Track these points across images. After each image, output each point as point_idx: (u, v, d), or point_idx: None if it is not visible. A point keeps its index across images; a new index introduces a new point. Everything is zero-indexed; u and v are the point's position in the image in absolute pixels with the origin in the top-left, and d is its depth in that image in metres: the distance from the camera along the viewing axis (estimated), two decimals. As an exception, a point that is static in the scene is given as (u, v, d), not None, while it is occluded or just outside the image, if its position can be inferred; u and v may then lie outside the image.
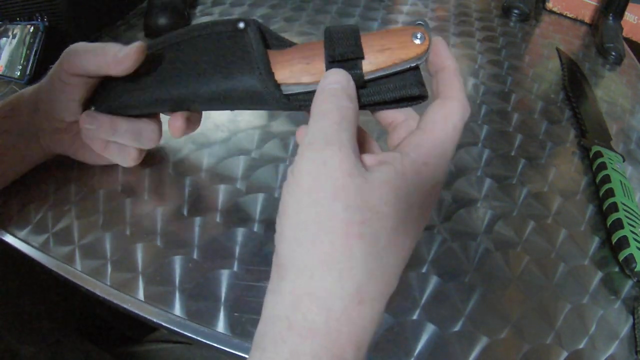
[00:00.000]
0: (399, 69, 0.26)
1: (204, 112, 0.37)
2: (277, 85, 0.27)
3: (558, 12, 0.76)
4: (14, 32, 0.52)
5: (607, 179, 0.42)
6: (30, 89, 0.36)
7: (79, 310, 0.51)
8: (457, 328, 0.31)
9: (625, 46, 0.68)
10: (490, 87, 0.55)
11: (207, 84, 0.29)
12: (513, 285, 0.34)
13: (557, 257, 0.37)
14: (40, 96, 0.34)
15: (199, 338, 0.30)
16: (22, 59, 0.50)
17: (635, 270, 0.35)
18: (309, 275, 0.20)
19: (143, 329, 0.52)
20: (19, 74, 0.50)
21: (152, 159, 0.41)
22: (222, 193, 0.39)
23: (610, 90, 0.59)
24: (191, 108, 0.32)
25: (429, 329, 0.31)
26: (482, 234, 0.37)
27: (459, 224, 0.38)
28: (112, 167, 0.39)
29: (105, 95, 0.34)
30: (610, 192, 0.40)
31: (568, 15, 0.75)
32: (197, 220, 0.36)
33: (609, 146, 0.47)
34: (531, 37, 0.68)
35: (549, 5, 0.76)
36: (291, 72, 0.27)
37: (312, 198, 0.21)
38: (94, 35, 0.58)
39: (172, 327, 0.30)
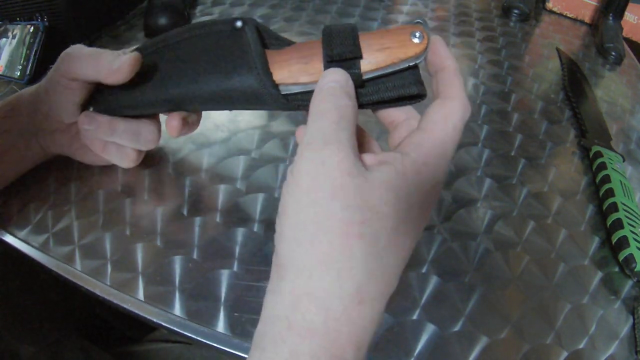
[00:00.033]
0: (397, 68, 0.26)
1: (204, 112, 0.37)
2: (275, 85, 0.27)
3: (558, 12, 0.76)
4: (14, 32, 0.52)
5: (607, 179, 0.42)
6: (30, 89, 0.36)
7: (79, 310, 0.51)
8: (457, 328, 0.31)
9: (625, 46, 0.68)
10: (490, 87, 0.55)
11: (204, 84, 0.28)
12: (513, 285, 0.34)
13: (557, 257, 0.37)
14: (40, 97, 0.34)
15: (198, 338, 0.30)
16: (22, 59, 0.50)
17: (635, 270, 0.35)
18: (308, 275, 0.20)
19: (143, 328, 0.52)
20: (19, 74, 0.50)
21: (152, 159, 0.41)
22: (222, 193, 0.39)
23: (610, 90, 0.59)
24: (189, 108, 0.32)
25: (429, 329, 0.31)
26: (482, 234, 0.37)
27: (459, 224, 0.38)
28: (112, 167, 0.39)
29: (103, 96, 0.34)
30: (610, 192, 0.40)
31: (568, 15, 0.75)
32: (197, 220, 0.36)
33: (609, 146, 0.47)
34: (531, 37, 0.68)
35: (549, 5, 0.76)
36: (289, 71, 0.27)
37: (311, 198, 0.21)
38: (94, 35, 0.58)
39: (172, 327, 0.30)
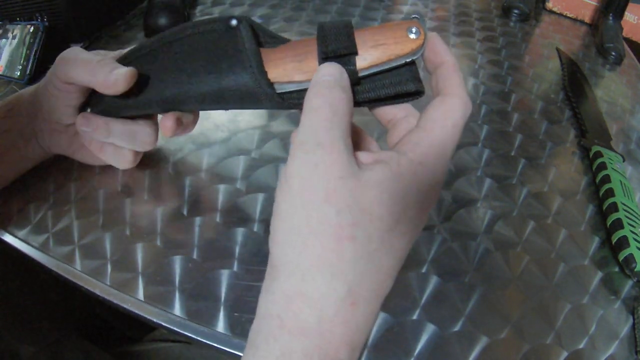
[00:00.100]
0: (394, 64, 0.26)
1: (204, 112, 0.37)
2: (270, 84, 0.27)
3: (558, 12, 0.76)
4: (14, 32, 0.52)
5: (607, 179, 0.42)
6: (29, 89, 0.36)
7: (79, 310, 0.51)
8: (457, 328, 0.31)
9: (625, 46, 0.68)
10: (490, 87, 0.55)
11: (199, 83, 0.28)
12: (513, 285, 0.34)
13: (557, 257, 0.37)
14: (38, 98, 0.34)
15: (198, 338, 0.30)
16: (22, 59, 0.50)
17: (635, 270, 0.35)
18: (301, 277, 0.20)
19: (143, 328, 0.52)
20: (19, 74, 0.50)
21: (152, 159, 0.41)
22: (222, 193, 0.39)
23: (610, 90, 0.59)
24: (185, 108, 0.32)
25: (429, 329, 0.31)
26: (482, 234, 0.37)
27: (459, 224, 0.38)
28: (112, 167, 0.39)
29: (99, 97, 0.34)
30: (610, 192, 0.40)
31: (568, 15, 0.75)
32: (197, 220, 0.36)
33: (609, 146, 0.47)
34: (531, 37, 0.68)
35: (549, 5, 0.76)
36: (284, 70, 0.27)
37: (304, 200, 0.20)
38: (94, 35, 0.58)
39: (172, 327, 0.31)
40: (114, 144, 0.36)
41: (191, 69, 0.29)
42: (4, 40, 0.52)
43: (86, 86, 0.32)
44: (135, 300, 0.32)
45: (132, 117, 0.35)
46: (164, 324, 0.31)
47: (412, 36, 0.25)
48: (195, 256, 0.34)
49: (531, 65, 0.61)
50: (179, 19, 0.58)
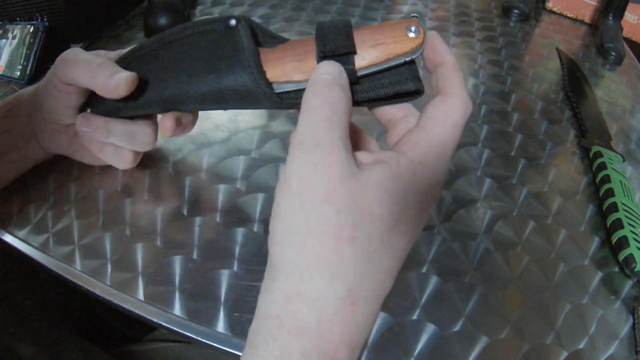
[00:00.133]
0: (393, 63, 0.25)
1: (204, 112, 0.37)
2: (269, 84, 0.27)
3: (558, 12, 0.76)
4: (14, 32, 0.52)
5: (607, 179, 0.42)
6: (29, 89, 0.36)
7: (78, 310, 0.51)
8: (457, 328, 0.31)
9: (625, 46, 0.68)
10: (490, 87, 0.55)
11: (199, 83, 0.28)
12: (513, 285, 0.34)
13: (557, 257, 0.37)
14: (38, 98, 0.34)
15: (198, 338, 0.30)
16: (22, 59, 0.50)
17: (635, 270, 0.35)
18: (299, 277, 0.20)
19: (143, 328, 0.52)
20: (19, 74, 0.50)
21: (152, 159, 0.41)
22: (222, 193, 0.39)
23: (610, 90, 0.59)
24: (184, 108, 0.32)
25: (429, 329, 0.31)
26: (482, 234, 0.37)
27: (459, 224, 0.38)
28: (112, 167, 0.39)
29: (99, 98, 0.34)
30: (610, 192, 0.40)
31: (568, 15, 0.75)
32: (197, 220, 0.36)
33: (609, 146, 0.47)
34: (531, 37, 0.68)
35: (549, 5, 0.76)
36: (283, 69, 0.26)
37: (303, 201, 0.20)
38: (94, 35, 0.58)
39: (172, 327, 0.31)
40: (114, 144, 0.36)
41: (191, 69, 0.29)
42: (4, 40, 0.52)
43: (86, 87, 0.32)
44: (135, 300, 0.32)
45: (132, 118, 0.35)
46: (164, 324, 0.31)
47: (412, 35, 0.25)
48: (195, 256, 0.34)
49: (531, 65, 0.61)
50: (179, 19, 0.58)
